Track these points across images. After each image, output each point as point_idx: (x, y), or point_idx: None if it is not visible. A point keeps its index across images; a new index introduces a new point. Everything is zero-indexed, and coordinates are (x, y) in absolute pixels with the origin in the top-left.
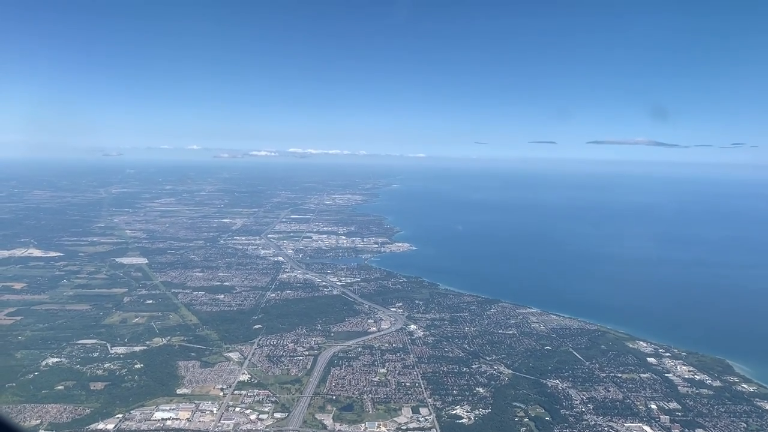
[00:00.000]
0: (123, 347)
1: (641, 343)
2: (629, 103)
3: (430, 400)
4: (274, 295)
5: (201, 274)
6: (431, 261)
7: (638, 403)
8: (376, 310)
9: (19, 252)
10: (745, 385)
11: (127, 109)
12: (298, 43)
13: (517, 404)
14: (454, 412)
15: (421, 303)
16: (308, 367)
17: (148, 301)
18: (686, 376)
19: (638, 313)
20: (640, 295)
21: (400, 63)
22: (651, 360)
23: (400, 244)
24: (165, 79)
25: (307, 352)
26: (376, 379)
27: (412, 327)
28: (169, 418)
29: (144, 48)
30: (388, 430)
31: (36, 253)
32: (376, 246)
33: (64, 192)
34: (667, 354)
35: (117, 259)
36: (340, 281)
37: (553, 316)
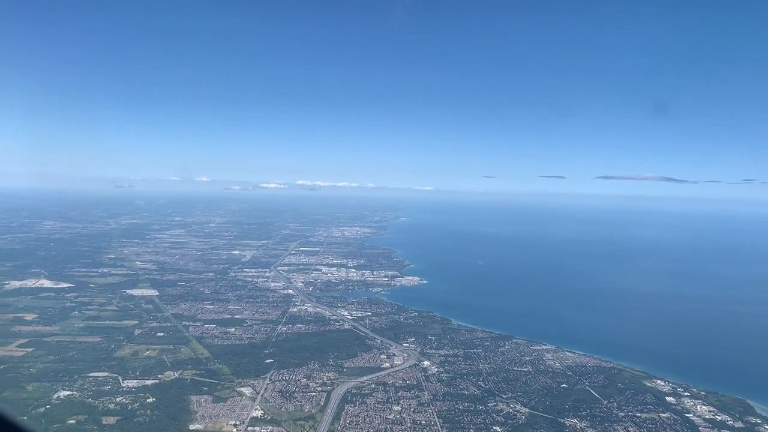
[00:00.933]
0: (135, 381)
1: (659, 381)
2: (638, 139)
3: None
4: (285, 328)
5: (212, 306)
6: (442, 295)
7: None
8: (388, 346)
9: (30, 283)
10: (767, 426)
11: (137, 141)
12: (306, 78)
13: None
14: None
15: (433, 338)
16: (321, 403)
17: (159, 334)
18: (707, 417)
19: (654, 351)
20: (655, 331)
21: (408, 97)
22: (670, 399)
23: (410, 278)
24: (174, 113)
25: (320, 388)
26: (391, 416)
27: (426, 363)
28: None
29: (155, 81)
30: None
31: (47, 283)
32: (386, 279)
33: (74, 223)
34: (686, 393)
35: (127, 291)
36: (351, 315)
37: (567, 353)
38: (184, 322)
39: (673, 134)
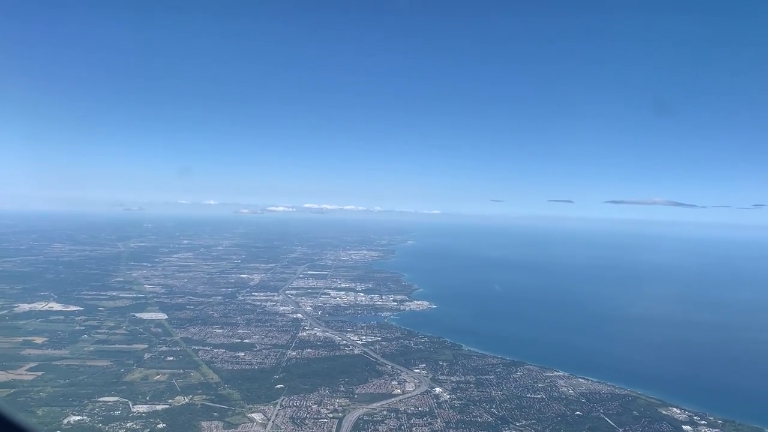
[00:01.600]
0: (145, 405)
1: (674, 409)
2: (647, 163)
3: None
4: (294, 353)
5: (221, 330)
6: (452, 320)
7: None
8: (399, 371)
9: (39, 305)
10: None
11: (144, 164)
12: (314, 102)
13: None
14: None
15: (445, 364)
16: (333, 430)
17: (168, 358)
18: None
19: (669, 378)
20: (669, 358)
21: (415, 120)
22: (687, 428)
23: (419, 302)
24: (182, 136)
25: (331, 415)
26: None
27: (438, 390)
28: None
29: (164, 105)
30: None
31: (56, 306)
32: (395, 304)
33: (83, 245)
34: (703, 422)
35: (136, 314)
36: (361, 340)
37: (581, 380)
38: (193, 346)
39: (681, 159)
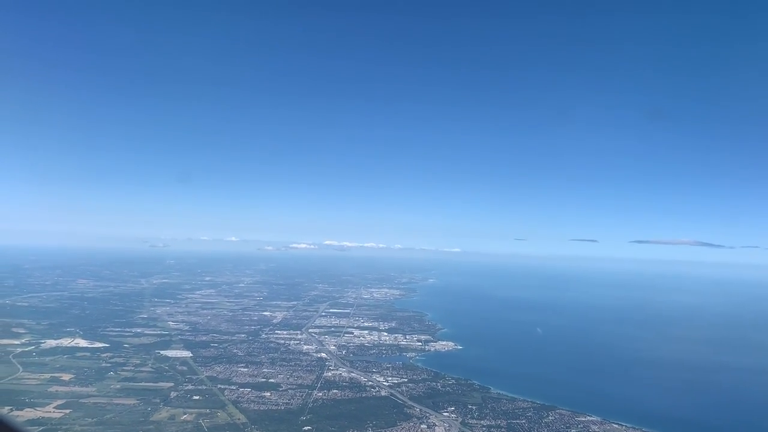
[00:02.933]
0: None
1: None
2: (673, 203)
3: None
4: (320, 394)
5: (246, 369)
6: (479, 362)
7: None
8: (427, 415)
9: (65, 342)
10: None
11: (166, 200)
12: (335, 139)
13: None
14: None
15: (474, 408)
16: None
17: (195, 397)
18: None
19: (703, 424)
20: (704, 404)
21: (436, 160)
22: None
23: (444, 343)
24: (204, 174)
25: None
26: None
27: None
28: None
29: (185, 143)
30: None
31: (82, 343)
32: (420, 344)
33: (107, 282)
34: None
35: (161, 352)
36: (387, 381)
37: (615, 426)
38: (219, 385)
39: (709, 198)
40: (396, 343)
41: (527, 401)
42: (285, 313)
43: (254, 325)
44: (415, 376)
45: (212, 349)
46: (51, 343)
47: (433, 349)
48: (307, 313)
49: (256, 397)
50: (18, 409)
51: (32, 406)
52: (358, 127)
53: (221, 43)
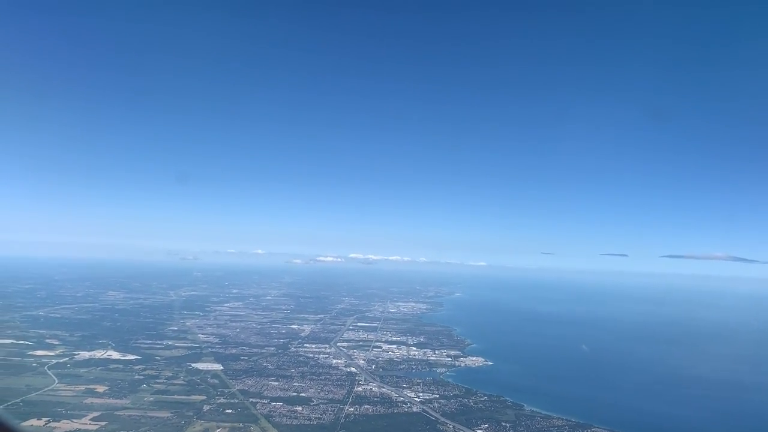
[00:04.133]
0: None
1: None
2: (706, 217)
3: None
4: (352, 409)
5: (276, 383)
6: (511, 378)
7: None
8: None
9: (99, 354)
10: None
11: (194, 213)
12: (360, 153)
13: None
14: None
15: (508, 425)
16: None
17: (227, 411)
18: None
19: None
20: (745, 426)
21: (462, 171)
22: None
23: (474, 359)
24: (228, 185)
25: None
26: None
27: None
28: None
29: (210, 156)
30: None
31: (115, 355)
32: (449, 359)
33: (136, 294)
34: None
35: (193, 365)
36: (418, 397)
37: None
38: (251, 399)
39: (743, 212)
40: (425, 358)
41: (562, 419)
42: (312, 326)
43: (283, 338)
44: (446, 392)
45: (242, 362)
46: (84, 354)
47: (463, 364)
48: (335, 326)
49: (288, 411)
50: (55, 421)
51: (69, 417)
52: (382, 142)
53: (238, 48)
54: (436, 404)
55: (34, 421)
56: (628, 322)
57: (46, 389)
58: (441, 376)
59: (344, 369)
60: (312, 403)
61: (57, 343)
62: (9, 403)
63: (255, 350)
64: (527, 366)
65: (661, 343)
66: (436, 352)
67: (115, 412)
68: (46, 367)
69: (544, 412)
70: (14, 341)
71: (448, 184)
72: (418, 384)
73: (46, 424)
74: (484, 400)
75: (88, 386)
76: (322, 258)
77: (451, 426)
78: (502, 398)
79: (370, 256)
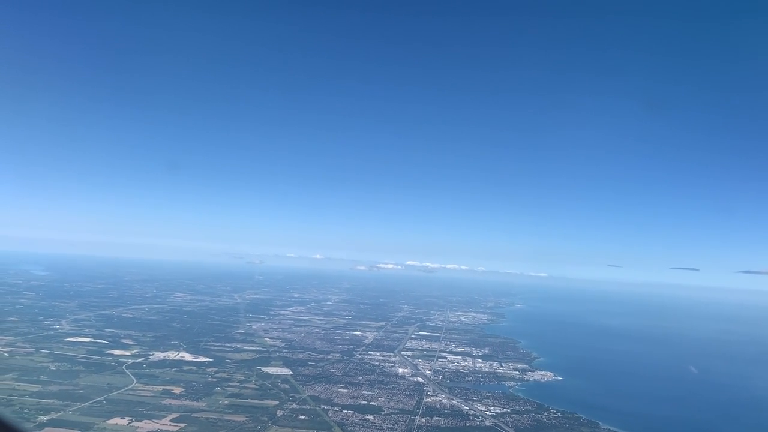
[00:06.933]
0: None
1: None
2: None
3: None
4: (423, 420)
5: (345, 390)
6: (583, 395)
7: None
8: None
9: (172, 355)
10: None
11: (257, 218)
12: (421, 162)
13: None
14: None
15: None
16: None
17: (300, 417)
18: None
19: None
20: None
21: (524, 180)
22: None
23: (543, 373)
24: (291, 190)
25: None
26: None
27: None
28: None
29: (273, 160)
30: None
31: (187, 356)
32: (517, 373)
33: (202, 296)
34: None
35: (262, 369)
36: (489, 411)
37: None
38: (322, 406)
39: None
40: (492, 370)
41: None
42: (375, 333)
43: (347, 345)
44: (517, 407)
45: (310, 368)
46: (158, 355)
47: (531, 378)
48: (397, 334)
49: (360, 420)
50: (137, 420)
51: (150, 417)
52: (448, 151)
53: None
54: (508, 419)
55: (117, 420)
56: (701, 339)
57: (125, 388)
58: (510, 390)
59: (411, 378)
60: (383, 413)
61: (132, 343)
62: (93, 401)
63: (321, 356)
64: (599, 382)
65: (739, 363)
66: (503, 364)
67: (193, 414)
68: (123, 367)
69: None
70: (92, 339)
71: (511, 193)
72: (488, 397)
73: (129, 423)
74: (558, 417)
75: (165, 387)
76: (382, 265)
77: None
78: (576, 415)
79: (427, 263)
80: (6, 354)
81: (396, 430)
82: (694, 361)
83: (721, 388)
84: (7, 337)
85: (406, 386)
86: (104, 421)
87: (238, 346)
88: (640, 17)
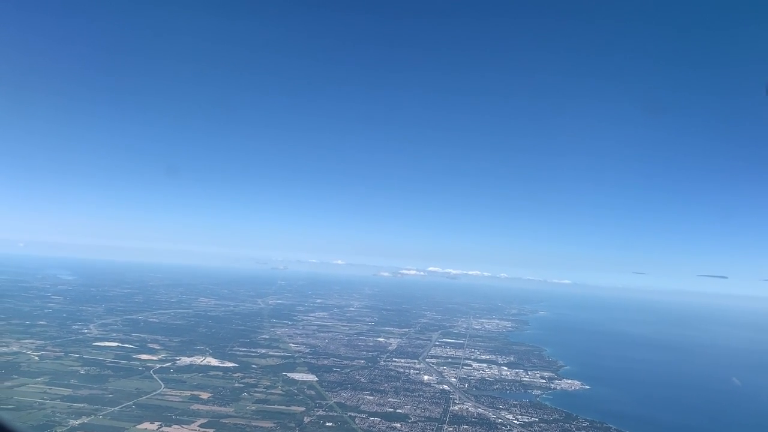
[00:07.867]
0: None
1: None
2: None
3: None
4: (451, 429)
5: (371, 397)
6: (611, 404)
7: None
8: None
9: (198, 360)
10: None
11: (279, 224)
12: (440, 170)
13: None
14: None
15: None
16: None
17: (327, 424)
18: None
19: None
20: None
21: (546, 187)
22: None
23: (569, 381)
24: (312, 194)
25: None
26: None
27: None
28: None
29: (295, 167)
30: None
31: (213, 362)
32: (544, 381)
33: (226, 301)
34: None
35: (288, 374)
36: (517, 420)
37: None
38: (349, 413)
39: None
40: (518, 378)
41: None
42: (398, 340)
43: (371, 351)
44: (545, 416)
45: (335, 374)
46: (185, 360)
47: (558, 387)
48: (420, 341)
49: (386, 427)
50: (167, 425)
51: (179, 423)
52: (463, 159)
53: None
54: (536, 428)
55: (147, 425)
56: (731, 349)
57: (154, 393)
58: (537, 399)
59: (437, 386)
60: (410, 421)
61: (158, 347)
62: (123, 405)
63: (346, 362)
64: (628, 392)
65: None
66: (529, 372)
67: (221, 420)
68: (151, 371)
69: None
70: (119, 344)
71: (535, 200)
72: (515, 405)
73: (158, 428)
74: (586, 426)
75: (192, 392)
76: (405, 271)
77: None
78: (605, 425)
79: (449, 270)
80: (36, 358)
81: None
82: (727, 371)
83: (752, 398)
84: (37, 341)
85: (432, 394)
86: (134, 425)
87: (263, 351)
88: (645, 22)
